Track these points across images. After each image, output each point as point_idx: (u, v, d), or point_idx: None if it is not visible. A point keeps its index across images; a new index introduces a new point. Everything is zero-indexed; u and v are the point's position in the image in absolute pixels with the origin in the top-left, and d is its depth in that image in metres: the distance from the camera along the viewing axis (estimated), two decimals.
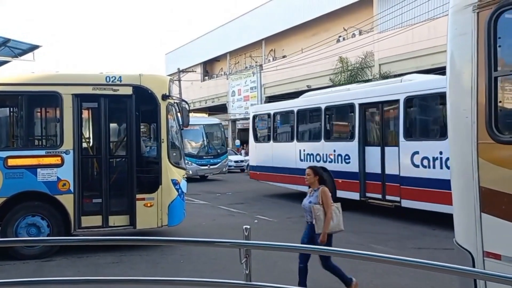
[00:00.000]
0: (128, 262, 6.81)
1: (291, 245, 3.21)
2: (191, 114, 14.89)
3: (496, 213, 3.27)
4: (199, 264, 6.63)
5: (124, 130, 7.78)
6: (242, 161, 25.83)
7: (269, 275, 6.07)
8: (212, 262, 6.65)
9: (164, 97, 7.46)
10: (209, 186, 17.37)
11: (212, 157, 19.66)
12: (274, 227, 9.57)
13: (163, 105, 7.47)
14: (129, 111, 7.39)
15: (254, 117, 15.09)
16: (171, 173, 7.54)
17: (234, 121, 36.51)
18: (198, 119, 23.61)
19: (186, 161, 15.30)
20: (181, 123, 8.08)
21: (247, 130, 48.43)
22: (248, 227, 3.15)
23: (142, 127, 8.48)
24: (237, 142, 34.47)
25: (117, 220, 7.38)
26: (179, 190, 7.68)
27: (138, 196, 7.36)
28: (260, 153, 14.47)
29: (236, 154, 28.64)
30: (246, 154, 29.83)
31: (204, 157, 19.39)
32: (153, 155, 7.95)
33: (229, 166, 23.72)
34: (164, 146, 7.48)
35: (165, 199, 7.44)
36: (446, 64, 3.72)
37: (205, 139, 19.72)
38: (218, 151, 20.02)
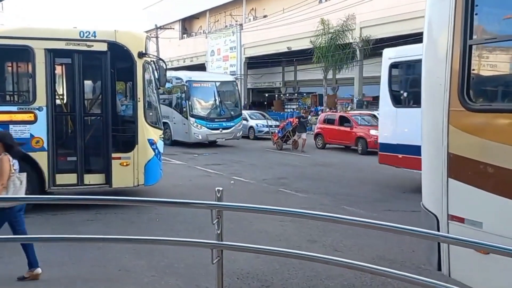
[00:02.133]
0: (103, 220, 6.84)
1: (260, 207, 3.25)
2: (167, 73, 14.70)
3: (462, 178, 3.38)
4: (175, 224, 6.66)
5: (99, 87, 7.64)
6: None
7: (242, 235, 6.20)
8: (188, 222, 6.72)
9: (141, 54, 7.33)
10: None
11: (225, 120, 17.57)
12: (250, 188, 9.68)
13: (139, 63, 7.34)
14: (104, 68, 7.26)
15: (394, 66, 9.39)
16: (147, 132, 7.50)
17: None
18: (210, 75, 21.77)
19: (195, 124, 16.66)
20: (157, 82, 7.95)
21: None
22: (220, 188, 3.18)
23: (117, 85, 8.30)
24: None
25: (93, 179, 7.36)
26: (156, 150, 7.67)
27: (114, 155, 7.32)
28: (403, 124, 9.06)
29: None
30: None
31: (215, 120, 17.34)
32: (129, 114, 7.84)
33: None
34: (140, 105, 7.39)
35: (141, 158, 7.43)
36: (424, 30, 3.71)
37: (217, 98, 17.50)
38: (232, 113, 17.90)
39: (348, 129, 16.46)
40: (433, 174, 3.64)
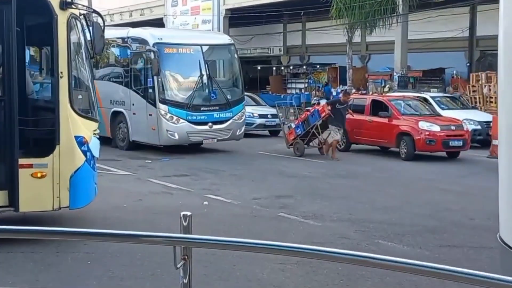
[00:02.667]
0: (4, 263, 6.79)
1: (250, 242, 3.20)
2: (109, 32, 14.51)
3: None
4: (116, 268, 6.73)
5: None
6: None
7: (221, 285, 6.17)
8: (136, 265, 6.81)
9: (64, 4, 7.41)
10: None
11: (217, 108, 16.38)
12: (233, 212, 9.84)
13: (61, 18, 7.40)
14: (6, 27, 7.28)
15: None
16: (74, 126, 7.55)
17: None
18: (192, 33, 20.56)
19: (168, 115, 15.86)
20: (90, 47, 8.11)
21: None
22: (188, 213, 3.15)
23: (28, 53, 8.45)
24: None
25: None
26: (87, 154, 7.75)
27: (21, 161, 7.33)
28: None
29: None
30: None
31: (202, 109, 16.13)
32: (46, 98, 8.03)
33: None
34: (63, 83, 7.43)
35: (65, 166, 7.47)
36: None
37: (204, 73, 16.26)
38: (228, 97, 16.70)
39: (385, 120, 16.57)
40: None
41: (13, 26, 7.25)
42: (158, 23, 37.11)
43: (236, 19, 34.54)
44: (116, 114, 17.32)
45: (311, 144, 16.81)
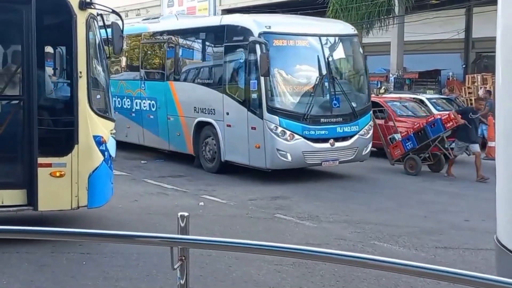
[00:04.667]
0: None
1: (245, 243, 3.20)
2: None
3: None
4: (111, 268, 6.75)
5: (18, 56, 7.75)
6: None
7: (217, 286, 6.17)
8: (132, 266, 6.84)
9: (83, 4, 7.46)
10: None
11: (341, 120, 12.73)
12: (229, 213, 9.89)
13: (81, 18, 7.44)
14: (26, 27, 7.32)
15: None
16: (93, 125, 7.61)
17: None
18: (308, 21, 14.44)
19: (282, 130, 11.94)
20: (109, 47, 8.24)
21: None
22: (186, 214, 3.16)
23: (48, 52, 8.54)
24: None
25: (7, 197, 7.41)
26: (105, 153, 7.81)
27: (41, 160, 7.35)
28: None
29: None
30: None
31: (322, 122, 12.49)
32: (65, 97, 7.98)
33: None
34: (82, 83, 7.48)
35: (83, 166, 7.52)
36: None
37: (325, 74, 12.58)
38: (354, 105, 12.95)
39: (381, 122, 16.52)
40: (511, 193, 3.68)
41: (33, 26, 7.28)
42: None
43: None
44: (201, 125, 13.73)
45: (427, 161, 14.17)
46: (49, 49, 8.74)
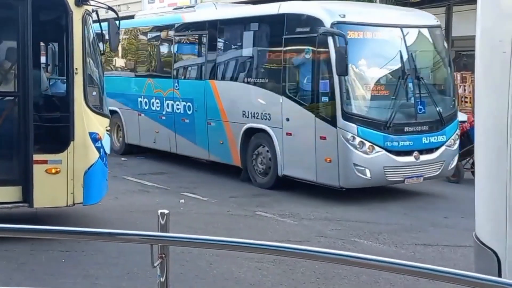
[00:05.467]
0: None
1: (226, 240, 3.21)
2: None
3: None
4: (91, 266, 6.75)
5: (13, 52, 7.73)
6: None
7: (198, 284, 6.17)
8: (112, 264, 6.85)
9: (79, 1, 7.48)
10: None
11: (427, 129, 10.81)
12: (210, 210, 9.90)
13: (77, 14, 7.45)
14: (21, 23, 7.32)
15: None
16: (89, 122, 7.64)
17: None
18: (385, 10, 12.71)
19: (360, 140, 9.94)
20: (101, 45, 8.35)
21: None
22: (166, 211, 3.14)
23: (44, 49, 8.58)
24: None
25: (2, 194, 7.42)
26: (101, 150, 7.85)
27: (36, 157, 7.37)
28: None
29: None
30: None
31: (406, 131, 10.60)
32: (61, 94, 8.02)
33: None
34: (78, 80, 7.50)
35: (79, 163, 7.56)
36: None
37: (409, 73, 10.64)
38: (440, 110, 10.97)
39: None
40: (491, 191, 3.71)
41: (29, 23, 7.29)
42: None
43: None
44: (252, 132, 11.67)
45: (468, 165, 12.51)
46: (45, 45, 8.73)
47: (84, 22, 7.53)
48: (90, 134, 7.61)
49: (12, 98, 7.62)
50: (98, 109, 7.96)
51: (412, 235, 8.49)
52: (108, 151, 8.18)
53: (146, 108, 14.33)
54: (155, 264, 3.16)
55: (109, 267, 6.70)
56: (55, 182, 7.45)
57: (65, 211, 8.47)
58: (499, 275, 3.57)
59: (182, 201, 10.23)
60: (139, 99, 14.54)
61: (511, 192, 3.55)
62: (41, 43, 8.29)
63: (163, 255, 3.18)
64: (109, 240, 5.00)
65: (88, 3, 7.59)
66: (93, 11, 7.85)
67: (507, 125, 3.54)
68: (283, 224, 9.00)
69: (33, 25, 7.34)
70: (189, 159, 14.09)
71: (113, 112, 13.36)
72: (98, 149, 7.73)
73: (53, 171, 7.43)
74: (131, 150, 15.15)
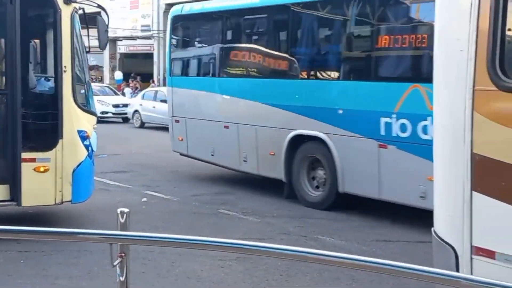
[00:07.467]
0: None
1: (188, 239, 3.19)
2: None
3: (493, 192, 3.50)
4: (51, 266, 6.70)
5: (1, 50, 7.80)
6: (125, 105, 25.45)
7: (159, 284, 6.13)
8: (72, 263, 6.81)
9: None
10: None
11: None
12: (172, 208, 9.90)
13: (65, 12, 7.46)
14: (10, 20, 7.29)
15: None
16: (77, 120, 7.69)
17: (113, 42, 35.49)
18: None
19: None
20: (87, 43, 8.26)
21: (136, 56, 46.74)
22: (126, 210, 3.11)
23: (32, 46, 8.38)
24: (118, 74, 33.62)
25: None
26: (89, 148, 7.94)
27: (24, 155, 7.37)
28: None
29: (116, 94, 28.17)
30: (134, 93, 29.70)
31: None
32: (49, 92, 8.03)
33: (105, 113, 23.34)
34: (67, 77, 7.54)
35: (68, 161, 7.58)
36: None
37: None
38: None
39: None
40: (449, 187, 3.76)
41: (17, 20, 7.30)
42: (94, 16, 36.49)
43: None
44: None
45: None
46: (33, 43, 8.66)
47: (73, 20, 7.58)
48: (79, 132, 7.67)
49: (0, 96, 7.62)
50: (86, 107, 8.02)
51: (374, 232, 8.58)
52: (95, 148, 8.24)
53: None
54: (115, 263, 3.13)
55: (69, 266, 6.67)
56: (43, 180, 7.48)
57: (25, 210, 8.36)
58: (457, 270, 3.62)
59: (145, 199, 10.19)
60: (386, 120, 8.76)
61: (468, 189, 3.61)
62: (30, 41, 8.22)
63: (123, 254, 3.15)
64: (68, 239, 4.96)
65: (77, 1, 7.65)
66: (80, 8, 7.91)
67: (464, 122, 3.59)
68: (246, 222, 9.03)
69: (22, 22, 7.37)
70: (152, 158, 13.94)
71: (309, 138, 9.89)
72: (86, 147, 7.81)
73: (42, 169, 7.46)
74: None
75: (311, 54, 10.44)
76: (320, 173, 9.93)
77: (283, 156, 10.21)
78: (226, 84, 11.52)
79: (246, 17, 11.36)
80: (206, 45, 12.67)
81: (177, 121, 12.68)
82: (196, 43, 13.09)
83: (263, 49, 10.99)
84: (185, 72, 12.91)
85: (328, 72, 10.14)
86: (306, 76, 10.41)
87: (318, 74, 10.20)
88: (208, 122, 11.73)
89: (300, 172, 10.06)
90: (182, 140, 12.51)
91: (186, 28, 13.20)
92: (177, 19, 12.88)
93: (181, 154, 12.93)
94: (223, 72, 11.73)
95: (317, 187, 10.04)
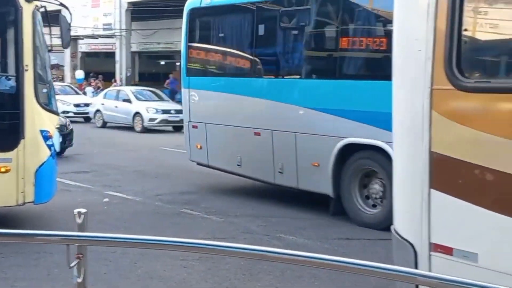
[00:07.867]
0: None
1: (150, 239, 3.15)
2: None
3: (451, 190, 3.56)
4: (9, 268, 6.62)
5: None
6: (86, 104, 25.20)
7: (122, 283, 6.07)
8: (31, 265, 6.74)
9: None
10: None
11: None
12: (135, 209, 9.90)
13: (27, 10, 7.40)
14: None
15: None
16: (39, 120, 7.61)
17: (75, 40, 35.01)
18: None
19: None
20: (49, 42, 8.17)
21: (98, 55, 46.13)
22: (83, 210, 3.07)
23: None
24: (80, 74, 33.22)
25: None
26: (52, 148, 7.86)
27: None
28: None
29: (77, 93, 27.88)
30: (96, 92, 29.51)
31: None
32: (11, 91, 7.93)
33: (66, 112, 23.13)
34: (28, 76, 7.46)
35: (30, 161, 7.51)
36: None
37: None
38: None
39: None
40: (407, 185, 3.81)
41: None
42: (56, 14, 35.93)
43: (138, 13, 33.88)
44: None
45: None
46: None
47: (34, 19, 7.51)
48: (41, 131, 7.61)
49: None
50: (48, 106, 7.93)
51: (336, 230, 8.65)
52: (58, 148, 8.18)
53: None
54: (72, 265, 3.09)
55: (29, 268, 6.58)
56: (5, 181, 7.41)
57: None
58: (416, 266, 3.67)
59: (106, 200, 10.09)
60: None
61: (426, 187, 3.65)
62: None
63: (81, 255, 3.11)
64: (25, 240, 4.87)
65: None
66: (42, 6, 7.84)
67: (422, 121, 3.63)
68: (209, 221, 9.02)
69: None
70: (114, 158, 13.79)
71: (364, 148, 8.79)
72: (49, 147, 7.74)
73: (3, 169, 7.39)
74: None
75: (369, 49, 8.88)
76: (376, 187, 8.86)
77: (330, 167, 9.10)
78: (257, 85, 10.36)
79: (283, 9, 9.98)
80: (232, 42, 11.17)
81: (195, 127, 11.27)
82: (219, 39, 11.44)
83: (307, 44, 9.81)
84: (205, 72, 11.58)
85: (390, 71, 7.98)
86: (362, 77, 9.06)
87: (377, 74, 8.48)
88: (233, 128, 10.52)
89: (352, 186, 8.99)
90: (201, 148, 11.19)
91: (207, 22, 11.76)
92: (195, 12, 11.40)
93: (199, 164, 11.59)
94: (253, 72, 10.55)
95: (374, 205, 8.95)
